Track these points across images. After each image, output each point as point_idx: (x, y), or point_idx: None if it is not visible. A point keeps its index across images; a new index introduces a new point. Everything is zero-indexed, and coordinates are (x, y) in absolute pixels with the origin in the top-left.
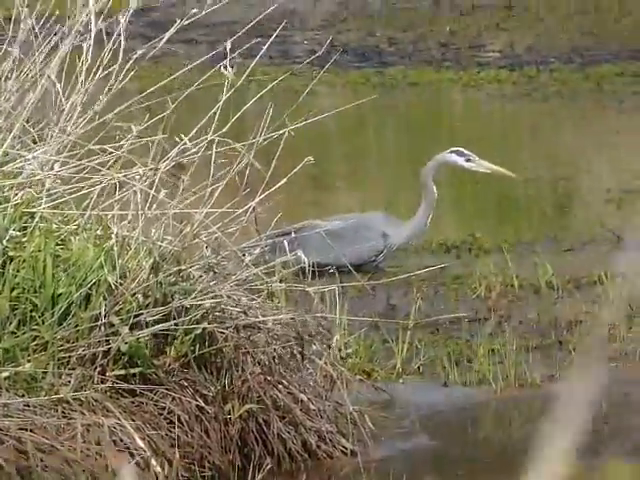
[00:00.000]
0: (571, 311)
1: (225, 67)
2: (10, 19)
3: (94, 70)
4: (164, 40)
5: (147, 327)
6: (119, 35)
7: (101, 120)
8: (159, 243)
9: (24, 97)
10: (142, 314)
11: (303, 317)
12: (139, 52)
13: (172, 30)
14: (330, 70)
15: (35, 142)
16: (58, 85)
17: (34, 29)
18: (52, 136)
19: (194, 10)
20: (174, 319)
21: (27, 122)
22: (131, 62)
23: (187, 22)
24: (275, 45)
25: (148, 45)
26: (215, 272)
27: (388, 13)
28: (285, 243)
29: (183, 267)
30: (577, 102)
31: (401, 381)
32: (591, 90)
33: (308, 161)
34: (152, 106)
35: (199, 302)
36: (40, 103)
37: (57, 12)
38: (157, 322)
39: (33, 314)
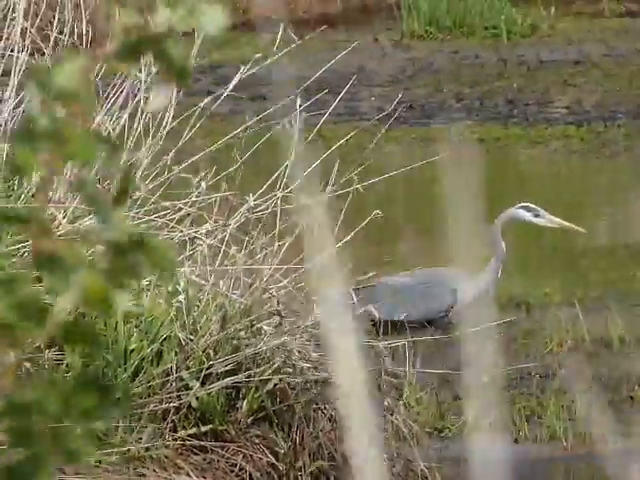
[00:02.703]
0: None
1: (290, 123)
2: None
3: (162, 125)
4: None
5: (218, 381)
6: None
7: (170, 175)
8: (229, 294)
9: None
10: (213, 366)
11: (374, 373)
12: (201, 104)
13: (235, 82)
14: (398, 127)
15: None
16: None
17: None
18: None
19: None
20: (245, 372)
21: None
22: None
23: (255, 78)
24: (343, 102)
25: (210, 98)
26: (285, 326)
27: (455, 69)
28: (354, 297)
29: (254, 321)
30: None
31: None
32: None
33: (376, 215)
34: (219, 163)
35: (270, 356)
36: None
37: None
38: (227, 375)
39: (105, 370)
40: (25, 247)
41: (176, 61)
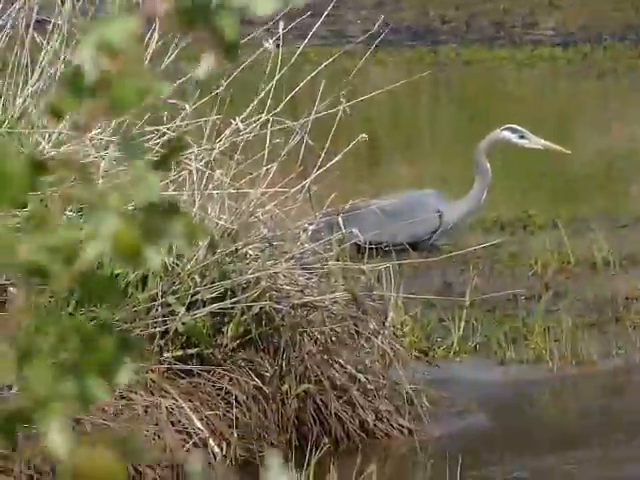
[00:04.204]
0: (627, 288)
1: (267, 40)
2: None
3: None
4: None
5: (204, 307)
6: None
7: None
8: (216, 220)
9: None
10: (199, 293)
11: (359, 295)
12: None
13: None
14: (383, 49)
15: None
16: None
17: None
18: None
19: None
20: (231, 298)
21: None
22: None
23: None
24: (328, 25)
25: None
26: (271, 249)
27: None
28: (340, 221)
29: (240, 246)
30: (631, 79)
31: (457, 359)
32: None
33: (362, 139)
34: (204, 86)
35: (256, 280)
36: None
37: None
38: (214, 301)
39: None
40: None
41: (227, 35)
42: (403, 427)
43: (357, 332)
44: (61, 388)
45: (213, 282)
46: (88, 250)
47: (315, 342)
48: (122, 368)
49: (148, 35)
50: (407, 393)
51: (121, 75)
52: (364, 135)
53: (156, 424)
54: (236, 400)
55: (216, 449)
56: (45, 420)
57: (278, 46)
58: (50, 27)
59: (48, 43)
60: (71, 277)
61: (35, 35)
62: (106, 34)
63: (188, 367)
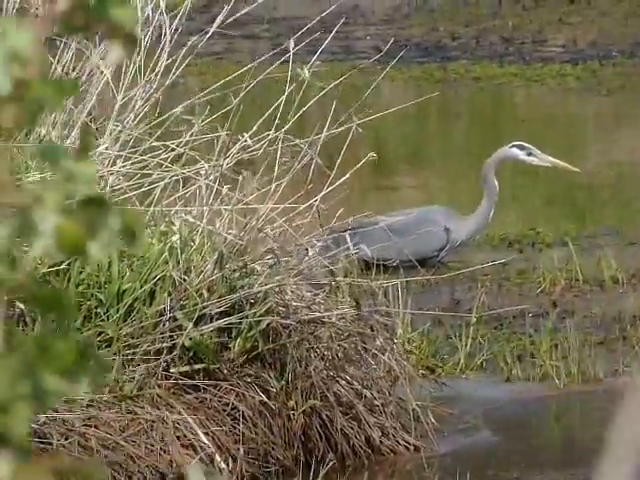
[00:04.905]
0: (635, 306)
1: (302, 68)
2: None
3: (157, 65)
4: (212, 30)
5: (211, 322)
6: (177, 30)
7: (164, 117)
8: (224, 234)
9: (85, 93)
10: (206, 308)
11: (367, 312)
12: (189, 42)
13: (214, 25)
14: (393, 66)
15: (96, 138)
16: (108, 78)
17: None
18: (112, 131)
19: (256, 3)
20: (238, 313)
21: (89, 118)
22: (189, 57)
23: (249, 17)
24: (337, 41)
25: (201, 37)
26: (279, 265)
27: (450, 8)
28: (347, 237)
29: (248, 261)
30: None
31: (464, 376)
32: None
33: (371, 157)
34: (214, 103)
35: (263, 296)
36: (100, 97)
37: None
38: (221, 316)
39: (98, 310)
40: None
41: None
42: (409, 444)
43: (364, 348)
44: (21, 388)
45: (221, 297)
46: (34, 247)
47: (322, 358)
48: (83, 377)
49: (158, 52)
50: (413, 410)
51: (34, 80)
52: (373, 154)
53: (162, 439)
54: (242, 415)
55: (222, 464)
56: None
57: (302, 68)
58: None
59: None
60: (19, 284)
61: None
62: (12, 44)
63: (194, 382)
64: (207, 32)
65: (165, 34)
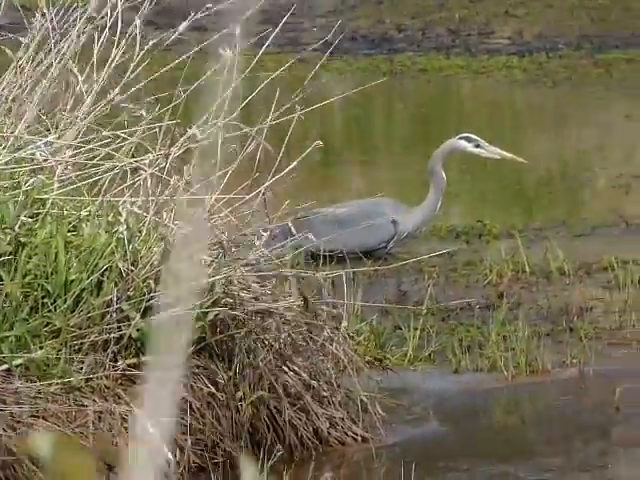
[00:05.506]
0: (582, 297)
1: (224, 49)
2: (28, 8)
3: (109, 59)
4: (179, 30)
5: (159, 313)
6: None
7: (111, 103)
8: (171, 225)
9: (37, 85)
10: (153, 299)
11: (313, 303)
12: (151, 42)
13: (185, 23)
14: (339, 57)
15: (48, 130)
16: (75, 71)
17: (47, 17)
18: (64, 123)
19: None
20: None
21: (40, 110)
22: (143, 51)
23: (196, 9)
24: (284, 33)
25: (162, 35)
26: (226, 255)
27: (397, 0)
28: (292, 227)
29: (194, 251)
30: (586, 88)
31: (412, 368)
32: (600, 76)
33: (317, 145)
34: (162, 93)
35: (210, 287)
36: (54, 91)
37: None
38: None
39: (45, 301)
40: None
41: None
42: (357, 435)
43: (312, 339)
44: None
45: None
46: None
47: (270, 349)
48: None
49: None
50: (361, 401)
51: None
52: (319, 142)
53: (110, 430)
54: (190, 407)
55: (170, 456)
56: None
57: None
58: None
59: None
60: None
61: None
62: None
63: (142, 373)
64: (165, 25)
65: (118, 27)
